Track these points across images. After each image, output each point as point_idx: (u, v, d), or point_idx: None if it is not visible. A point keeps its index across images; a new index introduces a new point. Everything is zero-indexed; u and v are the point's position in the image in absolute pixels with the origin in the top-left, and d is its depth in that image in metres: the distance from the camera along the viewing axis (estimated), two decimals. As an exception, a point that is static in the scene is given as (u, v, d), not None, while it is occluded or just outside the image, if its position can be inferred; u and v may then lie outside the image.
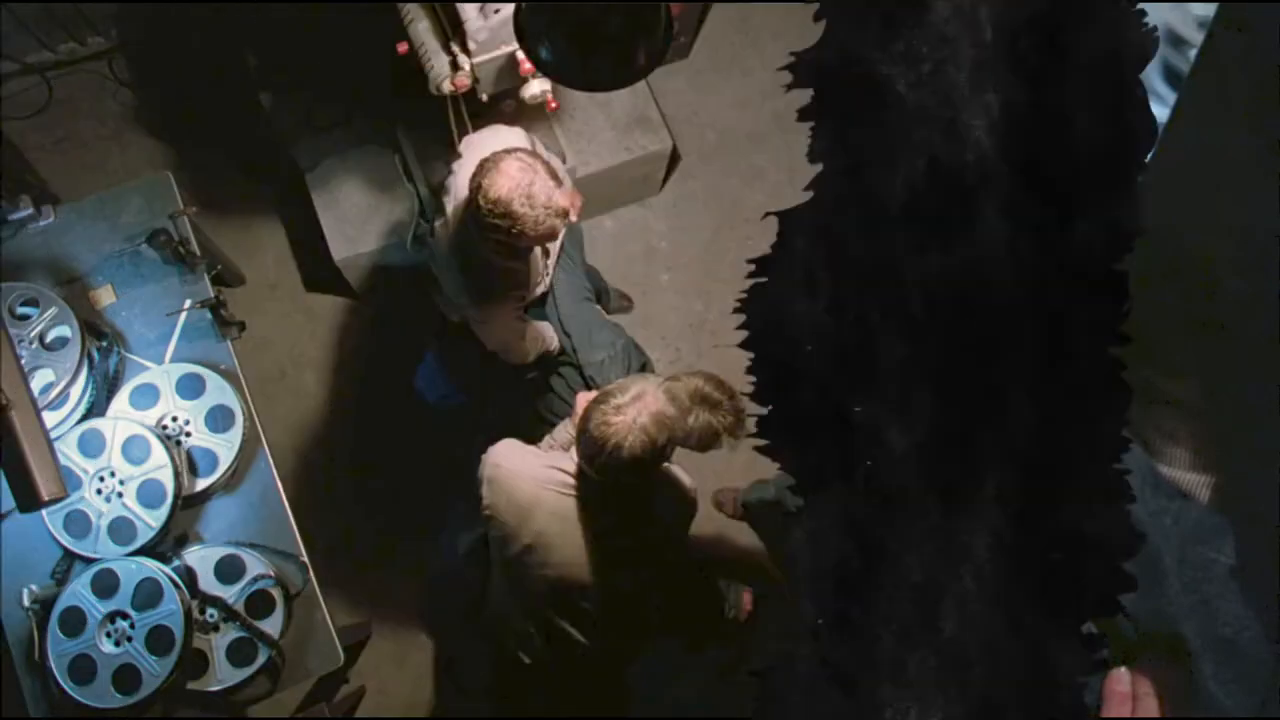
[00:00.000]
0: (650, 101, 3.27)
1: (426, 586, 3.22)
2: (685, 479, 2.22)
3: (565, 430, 2.34)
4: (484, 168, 2.09)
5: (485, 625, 2.38)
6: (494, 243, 2.18)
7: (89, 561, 2.28)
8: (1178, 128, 1.19)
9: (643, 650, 2.53)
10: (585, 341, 2.59)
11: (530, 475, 2.11)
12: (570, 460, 2.11)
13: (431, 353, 2.95)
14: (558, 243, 2.52)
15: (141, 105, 3.57)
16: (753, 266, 0.82)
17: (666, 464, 2.16)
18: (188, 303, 2.57)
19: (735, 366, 0.90)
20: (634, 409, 1.90)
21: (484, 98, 2.52)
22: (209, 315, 2.54)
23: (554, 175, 2.11)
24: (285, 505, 2.48)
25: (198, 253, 2.59)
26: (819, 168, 0.79)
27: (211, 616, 2.31)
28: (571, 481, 2.09)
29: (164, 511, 2.29)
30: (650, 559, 2.17)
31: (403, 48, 2.44)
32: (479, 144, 2.35)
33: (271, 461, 2.51)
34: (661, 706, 3.13)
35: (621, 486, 2.06)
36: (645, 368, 2.66)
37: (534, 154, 2.16)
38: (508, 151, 2.10)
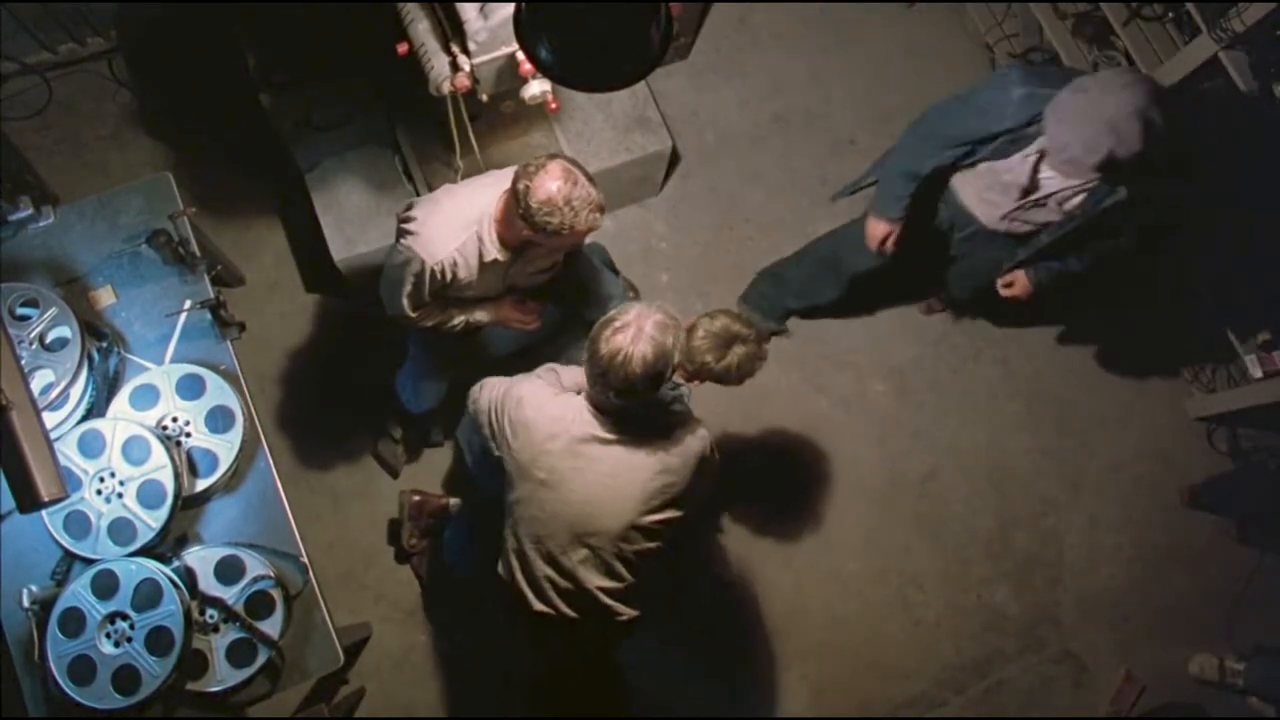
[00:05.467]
0: (650, 102, 3.27)
1: (425, 585, 3.22)
2: (703, 444, 2.24)
3: (571, 375, 2.36)
4: (526, 171, 2.17)
5: (499, 581, 2.38)
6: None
7: (89, 562, 2.29)
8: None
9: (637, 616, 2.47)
10: (595, 286, 2.76)
11: (548, 413, 2.18)
12: (583, 400, 2.18)
13: (413, 364, 2.93)
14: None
15: (141, 105, 3.57)
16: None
17: (700, 428, 2.23)
18: (188, 303, 2.57)
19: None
20: (636, 323, 2.02)
21: (484, 98, 2.52)
22: (209, 315, 2.54)
23: (591, 179, 2.21)
24: (285, 505, 2.48)
25: (197, 253, 2.59)
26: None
27: (211, 617, 2.31)
28: (587, 418, 2.14)
29: (164, 512, 2.29)
30: (665, 506, 2.19)
31: (403, 48, 2.44)
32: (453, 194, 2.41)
33: (271, 461, 2.51)
34: (654, 675, 3.14)
35: (637, 418, 2.13)
36: None
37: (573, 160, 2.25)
38: (551, 156, 2.20)
